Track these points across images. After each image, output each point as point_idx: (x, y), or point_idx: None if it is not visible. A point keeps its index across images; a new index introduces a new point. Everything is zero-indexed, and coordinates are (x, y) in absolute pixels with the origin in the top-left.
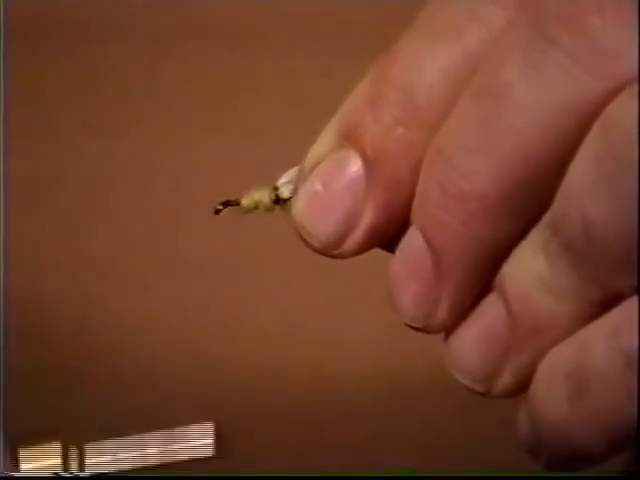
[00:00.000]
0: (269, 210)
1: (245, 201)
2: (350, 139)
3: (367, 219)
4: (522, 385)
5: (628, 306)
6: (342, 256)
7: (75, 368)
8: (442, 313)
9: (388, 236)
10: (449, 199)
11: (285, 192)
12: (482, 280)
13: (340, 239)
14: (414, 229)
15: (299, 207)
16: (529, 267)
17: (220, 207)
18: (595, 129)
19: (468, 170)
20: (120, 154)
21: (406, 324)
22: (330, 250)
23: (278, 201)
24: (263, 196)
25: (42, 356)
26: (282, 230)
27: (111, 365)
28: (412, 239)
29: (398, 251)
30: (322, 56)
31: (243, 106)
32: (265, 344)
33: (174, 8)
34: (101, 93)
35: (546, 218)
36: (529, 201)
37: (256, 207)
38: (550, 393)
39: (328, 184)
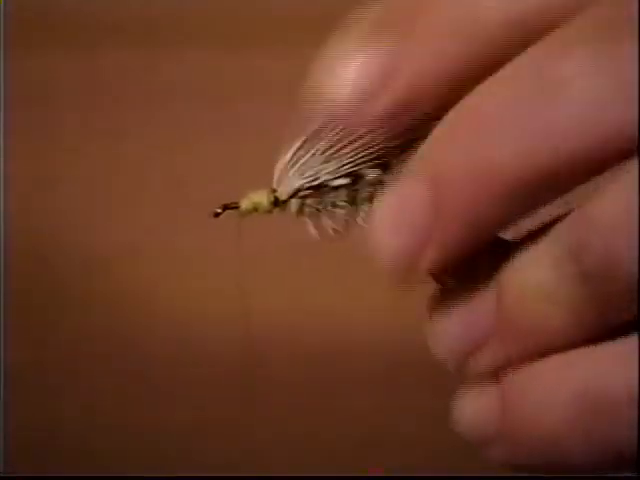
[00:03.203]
0: (268, 212)
1: (244, 204)
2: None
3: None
4: (493, 375)
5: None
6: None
7: (74, 370)
8: (424, 265)
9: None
10: (475, 165)
11: (283, 194)
12: (468, 248)
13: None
14: (417, 180)
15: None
16: (531, 273)
17: (219, 210)
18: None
19: (502, 145)
20: (120, 154)
21: (382, 275)
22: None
23: (277, 203)
24: (262, 198)
25: (43, 357)
26: (282, 229)
27: (111, 366)
28: (413, 189)
29: (389, 197)
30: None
31: (243, 107)
32: (266, 333)
33: (174, 8)
34: (101, 93)
35: (560, 234)
36: (546, 195)
37: (255, 209)
38: (554, 415)
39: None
